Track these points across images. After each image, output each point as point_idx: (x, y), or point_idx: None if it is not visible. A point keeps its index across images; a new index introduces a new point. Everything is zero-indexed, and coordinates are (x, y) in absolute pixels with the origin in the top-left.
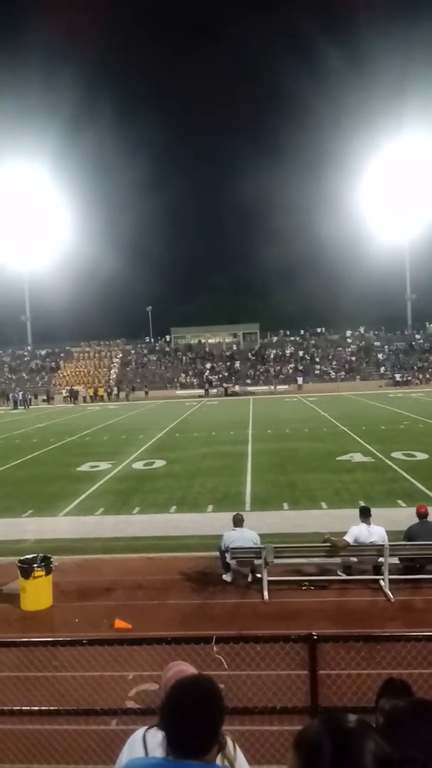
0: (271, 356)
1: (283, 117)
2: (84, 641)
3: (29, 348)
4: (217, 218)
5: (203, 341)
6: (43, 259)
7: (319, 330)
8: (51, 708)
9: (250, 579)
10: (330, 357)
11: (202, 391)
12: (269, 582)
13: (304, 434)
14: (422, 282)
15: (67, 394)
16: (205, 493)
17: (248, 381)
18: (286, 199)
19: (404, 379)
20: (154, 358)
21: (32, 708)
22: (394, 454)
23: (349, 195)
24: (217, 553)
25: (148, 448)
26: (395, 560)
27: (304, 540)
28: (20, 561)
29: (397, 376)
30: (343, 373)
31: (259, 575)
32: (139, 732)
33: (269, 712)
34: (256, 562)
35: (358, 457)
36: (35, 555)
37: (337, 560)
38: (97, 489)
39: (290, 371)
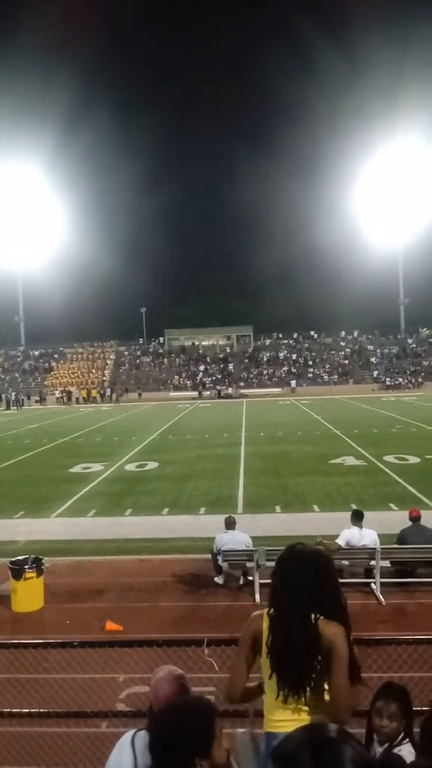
0: (265, 359)
1: (279, 121)
2: (75, 643)
3: (22, 348)
4: (212, 221)
5: (197, 343)
6: (38, 259)
7: (312, 333)
8: (41, 710)
9: (241, 581)
10: (323, 360)
11: (195, 393)
12: (261, 585)
13: (297, 437)
14: (416, 286)
15: (60, 395)
16: (197, 495)
17: (241, 383)
18: (281, 202)
19: (394, 383)
20: (148, 360)
21: (22, 710)
22: (387, 458)
23: (344, 199)
24: (209, 556)
25: (140, 450)
26: (387, 564)
27: None
28: (11, 562)
29: (387, 381)
30: (336, 376)
31: (250, 578)
32: (128, 735)
33: (261, 714)
34: (248, 564)
35: (350, 461)
36: (27, 556)
37: None
38: (90, 490)
39: (284, 374)
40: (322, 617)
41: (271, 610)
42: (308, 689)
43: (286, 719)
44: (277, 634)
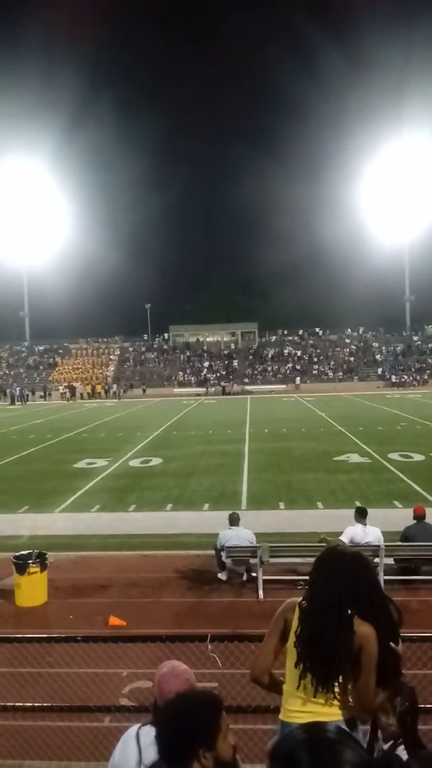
0: (270, 355)
1: (284, 118)
2: (78, 638)
3: (27, 344)
4: (218, 217)
5: (201, 339)
6: (43, 254)
7: (317, 330)
8: (44, 704)
9: (245, 578)
10: (328, 357)
11: (199, 390)
12: (264, 581)
13: (301, 434)
14: (421, 283)
15: (64, 390)
16: (201, 491)
17: (246, 380)
18: (286, 199)
19: (399, 380)
20: (152, 356)
21: (26, 704)
22: (391, 455)
23: (350, 196)
24: (213, 552)
25: (145, 446)
26: (391, 561)
27: (300, 540)
28: (15, 557)
29: (392, 378)
30: (341, 373)
31: (254, 574)
32: (133, 729)
33: (263, 711)
34: (252, 561)
35: (354, 458)
36: (31, 551)
37: None
38: (94, 486)
39: (288, 371)
40: (356, 616)
41: (304, 603)
42: (335, 684)
43: (303, 710)
44: (310, 625)
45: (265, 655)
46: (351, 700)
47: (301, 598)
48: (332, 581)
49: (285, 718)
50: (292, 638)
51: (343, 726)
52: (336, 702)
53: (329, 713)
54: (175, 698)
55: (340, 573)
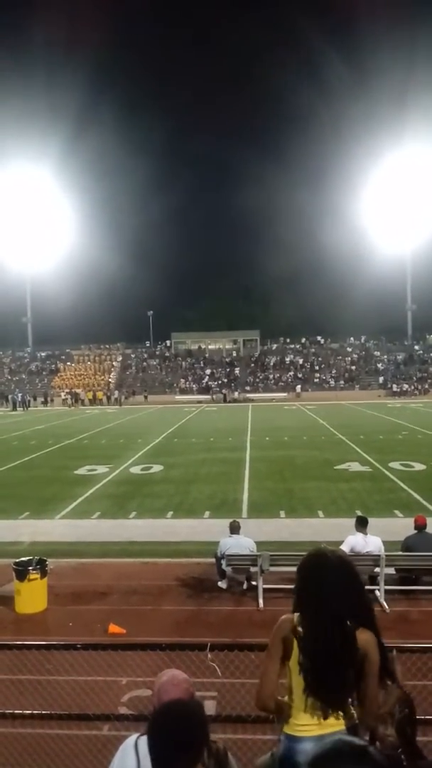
0: (271, 363)
1: (288, 125)
2: (78, 645)
3: (29, 350)
4: (220, 224)
5: (203, 347)
6: (46, 261)
7: (319, 338)
8: (43, 712)
9: (245, 586)
10: (330, 365)
11: (201, 397)
12: (264, 590)
13: (302, 442)
14: (423, 292)
15: (65, 396)
16: (202, 499)
17: (247, 388)
18: (288, 207)
19: (400, 389)
20: (154, 363)
21: (24, 712)
22: (392, 464)
23: (352, 204)
24: (213, 560)
25: (146, 453)
26: (391, 571)
27: (301, 548)
28: (15, 563)
29: (394, 387)
30: (343, 382)
31: (254, 583)
32: (131, 739)
33: (262, 720)
34: (252, 569)
35: (355, 467)
36: (31, 557)
37: None
38: (94, 493)
39: (290, 379)
40: (356, 625)
41: (298, 618)
42: (345, 698)
43: (311, 724)
44: (314, 644)
45: (268, 679)
46: (353, 708)
47: (295, 616)
48: (326, 596)
49: (292, 731)
50: (294, 657)
51: (346, 735)
52: (346, 713)
53: (336, 724)
54: (165, 707)
55: (332, 585)
